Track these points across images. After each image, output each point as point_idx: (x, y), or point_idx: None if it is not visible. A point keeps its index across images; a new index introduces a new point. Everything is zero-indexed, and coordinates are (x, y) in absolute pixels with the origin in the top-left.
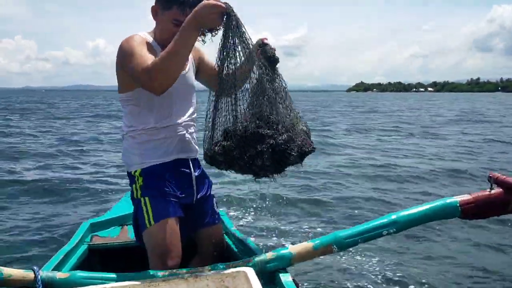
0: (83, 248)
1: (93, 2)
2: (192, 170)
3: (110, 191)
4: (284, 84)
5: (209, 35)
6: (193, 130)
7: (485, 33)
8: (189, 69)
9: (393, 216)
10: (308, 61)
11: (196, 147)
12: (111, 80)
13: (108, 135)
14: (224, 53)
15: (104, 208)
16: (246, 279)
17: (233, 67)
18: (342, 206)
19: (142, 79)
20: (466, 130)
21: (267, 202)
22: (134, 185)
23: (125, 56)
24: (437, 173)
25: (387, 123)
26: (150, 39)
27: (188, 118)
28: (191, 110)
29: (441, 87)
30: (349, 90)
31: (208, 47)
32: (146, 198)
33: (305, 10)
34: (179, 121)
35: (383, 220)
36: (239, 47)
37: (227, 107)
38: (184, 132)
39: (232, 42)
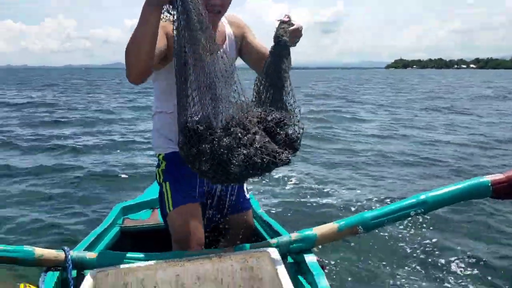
0: (115, 230)
1: None
2: None
3: (143, 175)
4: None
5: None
6: None
7: None
8: (224, 47)
9: (422, 196)
10: (346, 37)
11: None
12: None
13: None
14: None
15: (137, 190)
16: (269, 260)
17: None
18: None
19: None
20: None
21: (291, 185)
22: (157, 169)
23: None
24: (469, 153)
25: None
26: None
27: None
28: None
29: (484, 63)
30: (388, 67)
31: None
32: (167, 183)
33: None
34: None
35: (411, 200)
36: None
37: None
38: None
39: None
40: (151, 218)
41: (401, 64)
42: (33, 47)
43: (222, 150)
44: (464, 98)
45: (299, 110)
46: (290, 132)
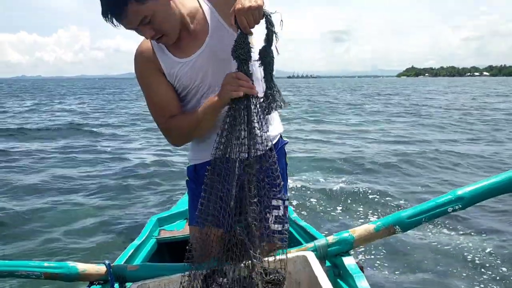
0: (152, 242)
1: None
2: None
3: (176, 185)
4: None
5: None
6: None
7: None
8: (212, 36)
9: (459, 192)
10: (357, 46)
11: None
12: None
13: None
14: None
15: (171, 201)
16: (306, 263)
17: None
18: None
19: (159, 128)
20: None
21: (325, 192)
22: (186, 180)
23: (140, 86)
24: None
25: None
26: (152, 44)
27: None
28: None
29: (497, 71)
30: (400, 75)
31: None
32: (190, 197)
33: None
34: None
35: (448, 196)
36: None
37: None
38: None
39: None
40: (186, 228)
41: (413, 73)
42: (47, 57)
43: None
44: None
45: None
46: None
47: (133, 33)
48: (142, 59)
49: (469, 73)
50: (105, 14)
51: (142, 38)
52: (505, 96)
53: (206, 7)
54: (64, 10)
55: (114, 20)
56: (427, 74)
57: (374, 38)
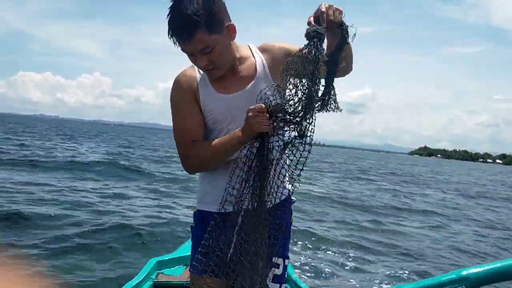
0: (148, 284)
1: (166, 48)
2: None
3: (180, 231)
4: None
5: None
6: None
7: None
8: (256, 82)
9: (464, 272)
10: (371, 120)
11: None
12: None
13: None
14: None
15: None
16: None
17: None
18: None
19: (178, 152)
20: None
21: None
22: (191, 225)
23: (170, 106)
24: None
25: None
26: (197, 74)
27: None
28: None
29: (510, 159)
30: (412, 153)
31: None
32: (193, 243)
33: (370, 70)
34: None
35: (452, 276)
36: None
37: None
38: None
39: None
40: (184, 274)
41: (426, 152)
42: (68, 99)
43: None
44: None
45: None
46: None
47: (153, 85)
48: (183, 84)
49: (481, 159)
50: (171, 34)
51: (183, 66)
52: None
53: (258, 58)
54: (90, 57)
55: (175, 40)
56: (439, 156)
57: (388, 114)
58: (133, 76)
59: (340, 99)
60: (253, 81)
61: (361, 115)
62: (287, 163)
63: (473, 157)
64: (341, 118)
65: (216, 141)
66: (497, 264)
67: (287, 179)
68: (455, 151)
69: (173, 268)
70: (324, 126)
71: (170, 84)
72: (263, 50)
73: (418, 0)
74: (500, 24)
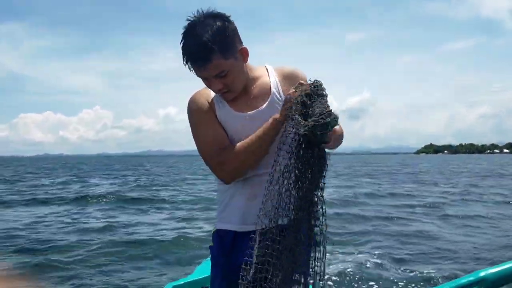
0: None
1: (164, 74)
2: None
3: (195, 253)
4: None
5: None
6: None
7: None
8: (271, 102)
9: (482, 273)
10: (373, 123)
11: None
12: (182, 144)
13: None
14: None
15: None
16: None
17: None
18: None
19: (211, 164)
20: None
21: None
22: (210, 245)
23: (190, 125)
24: None
25: None
26: (211, 93)
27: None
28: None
29: None
30: (418, 152)
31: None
32: (212, 265)
33: (368, 74)
34: (257, 172)
35: (469, 278)
36: None
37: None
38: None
39: None
40: None
41: (432, 149)
42: (70, 136)
43: None
44: None
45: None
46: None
47: (154, 112)
48: (201, 99)
49: (488, 150)
50: (186, 60)
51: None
52: None
53: (273, 79)
54: (90, 91)
55: (191, 66)
56: (446, 151)
57: (388, 116)
58: (133, 105)
59: (340, 106)
60: (267, 102)
61: (362, 120)
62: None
63: (479, 150)
64: (343, 125)
65: (248, 138)
66: None
67: None
68: (461, 145)
69: None
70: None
71: (170, 110)
72: (286, 76)
73: (404, 2)
74: (490, 15)
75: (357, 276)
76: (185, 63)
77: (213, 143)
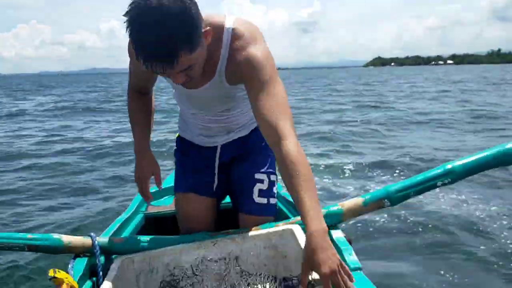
0: (139, 216)
1: None
2: (218, 157)
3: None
4: None
5: None
6: (229, 119)
7: (504, 0)
8: (211, 85)
9: (449, 166)
10: (324, 37)
11: (238, 127)
12: (125, 62)
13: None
14: None
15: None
16: (293, 236)
17: None
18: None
19: (127, 90)
20: None
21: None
22: (174, 149)
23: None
24: None
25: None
26: None
27: (220, 116)
28: (224, 108)
29: (461, 59)
30: (366, 65)
31: None
32: (176, 164)
33: None
34: (205, 117)
35: (438, 170)
36: None
37: None
38: (212, 124)
39: None
40: (173, 204)
41: (379, 62)
42: (6, 54)
43: None
44: None
45: None
46: None
47: (96, 27)
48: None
49: (434, 62)
50: (144, 59)
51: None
52: None
53: (223, 59)
54: (25, 4)
55: (149, 65)
56: (393, 64)
57: (340, 29)
58: (73, 19)
59: (290, 19)
60: (210, 82)
61: (313, 33)
62: None
63: (425, 61)
64: (292, 41)
65: (135, 118)
66: (479, 155)
67: None
68: (407, 57)
69: (161, 199)
70: (274, 51)
71: (113, 25)
72: (238, 64)
73: None
74: None
75: None
76: (142, 62)
77: (136, 82)
